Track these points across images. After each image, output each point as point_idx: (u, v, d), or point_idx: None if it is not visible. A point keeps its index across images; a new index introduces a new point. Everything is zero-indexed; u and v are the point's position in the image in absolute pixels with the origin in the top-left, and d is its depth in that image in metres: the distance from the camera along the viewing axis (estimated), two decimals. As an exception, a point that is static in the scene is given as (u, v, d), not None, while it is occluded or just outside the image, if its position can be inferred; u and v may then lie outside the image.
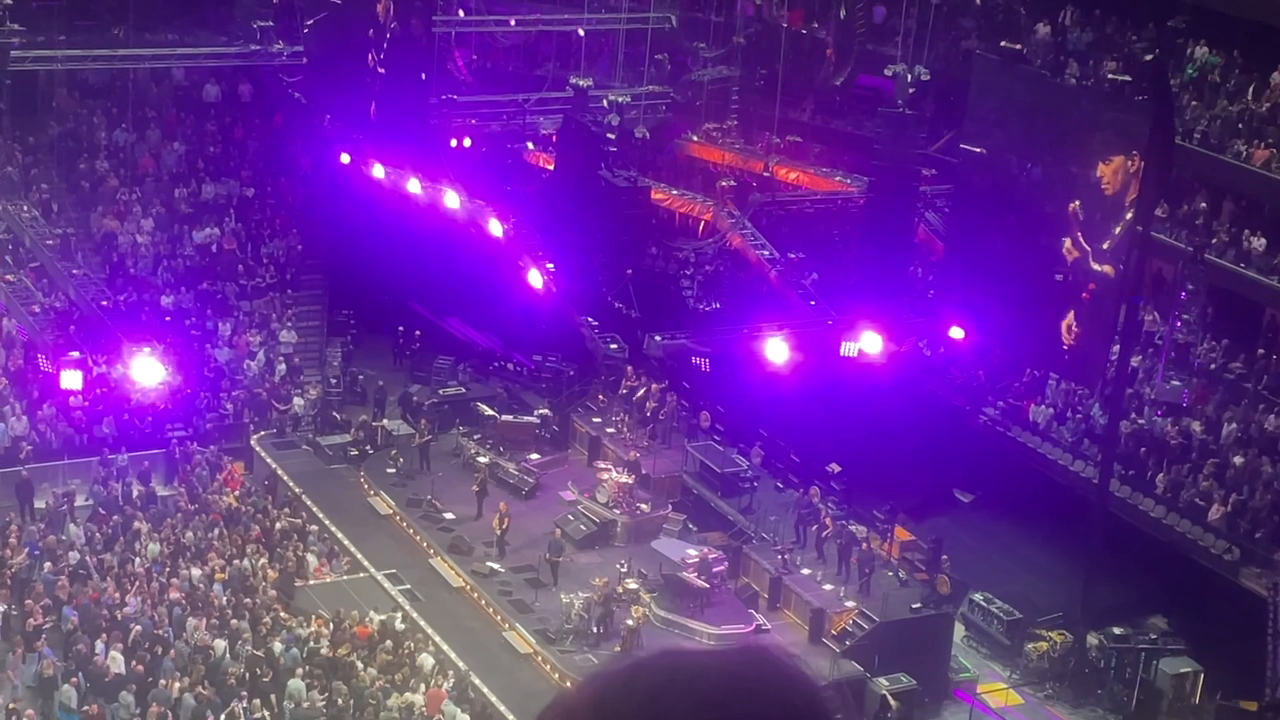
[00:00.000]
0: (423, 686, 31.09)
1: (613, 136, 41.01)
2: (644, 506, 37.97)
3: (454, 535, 37.10)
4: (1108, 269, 35.76)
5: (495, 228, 42.58)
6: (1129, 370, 36.56)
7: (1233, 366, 37.91)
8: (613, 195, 40.57)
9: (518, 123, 46.20)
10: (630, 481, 38.04)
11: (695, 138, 46.90)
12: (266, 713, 30.27)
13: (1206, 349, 38.18)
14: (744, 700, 2.70)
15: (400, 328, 44.30)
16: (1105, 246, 35.96)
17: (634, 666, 2.79)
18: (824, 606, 34.68)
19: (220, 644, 31.50)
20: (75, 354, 37.77)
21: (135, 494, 36.58)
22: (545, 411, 41.28)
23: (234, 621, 32.27)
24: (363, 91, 45.05)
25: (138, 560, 33.97)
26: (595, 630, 33.74)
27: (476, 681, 31.78)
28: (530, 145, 46.03)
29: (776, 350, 38.05)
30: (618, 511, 37.65)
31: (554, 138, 44.74)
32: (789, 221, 43.22)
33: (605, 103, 41.63)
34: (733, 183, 44.61)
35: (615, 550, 36.79)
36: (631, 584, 34.81)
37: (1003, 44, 38.43)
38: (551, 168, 44.64)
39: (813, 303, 40.44)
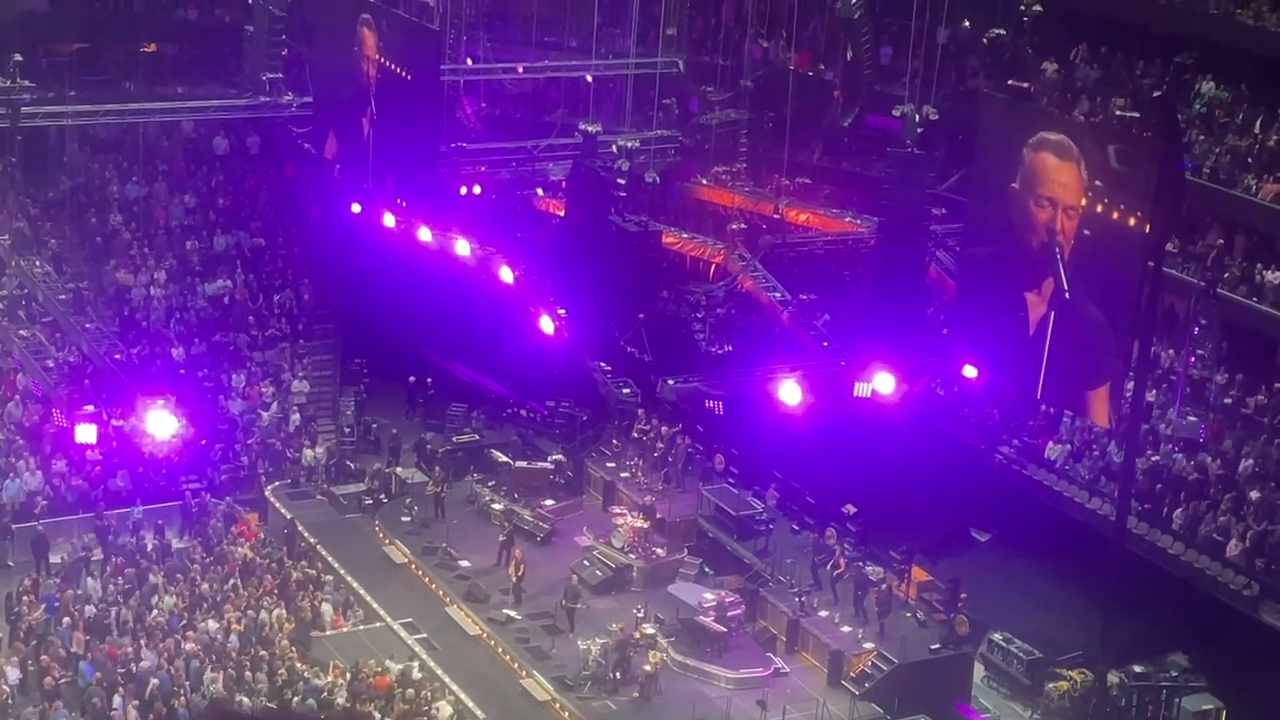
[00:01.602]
0: (441, 736, 31.10)
1: (622, 181, 41.18)
2: (660, 551, 38.04)
3: (470, 583, 37.16)
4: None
5: (506, 274, 42.77)
6: (1144, 406, 36.59)
7: (1249, 400, 37.93)
8: (623, 240, 40.74)
9: (527, 169, 46.46)
10: (645, 526, 38.11)
11: (705, 181, 47.08)
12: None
13: (1221, 384, 38.22)
14: None
15: (413, 376, 44.46)
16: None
17: None
18: (842, 648, 34.68)
19: (239, 696, 31.54)
20: (89, 408, 38.00)
21: (150, 547, 36.71)
22: (559, 457, 41.40)
23: (250, 673, 32.33)
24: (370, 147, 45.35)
25: (154, 613, 34.07)
26: (613, 676, 33.76)
27: (495, 730, 31.78)
28: (540, 191, 46.25)
29: (789, 392, 38.14)
30: (633, 556, 37.72)
31: (564, 184, 44.97)
32: (800, 263, 43.36)
33: (614, 148, 41.83)
34: (743, 225, 44.77)
35: (632, 595, 36.84)
36: (649, 629, 34.86)
37: (1010, 82, 38.56)
38: (562, 214, 44.84)
39: (825, 344, 40.55)
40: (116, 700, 31.13)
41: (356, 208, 45.46)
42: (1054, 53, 42.77)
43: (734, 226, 44.74)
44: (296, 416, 42.47)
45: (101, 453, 38.46)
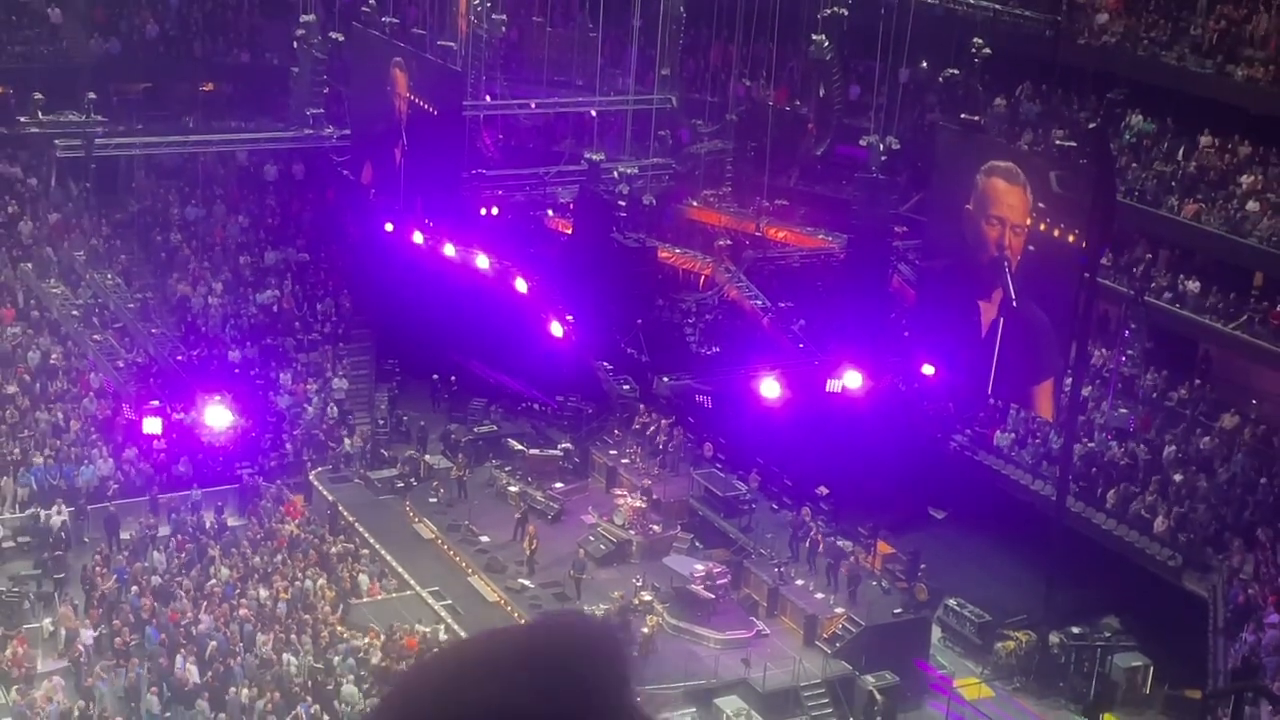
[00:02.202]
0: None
1: (623, 203, 41.08)
2: (656, 527, 37.95)
3: (489, 556, 37.08)
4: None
5: (521, 285, 42.69)
6: (1081, 399, 36.53)
7: (1172, 395, 37.86)
8: (624, 255, 40.62)
9: (539, 193, 46.30)
10: (643, 505, 38.04)
11: (695, 203, 46.95)
12: (327, 716, 30.21)
13: (1149, 380, 38.15)
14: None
15: (436, 375, 44.38)
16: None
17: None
18: (816, 613, 34.61)
19: (286, 656, 31.47)
20: (155, 403, 37.97)
21: (208, 524, 36.64)
22: (568, 445, 41.32)
23: (296, 636, 32.24)
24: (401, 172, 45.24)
25: (211, 582, 33.98)
26: (615, 638, 33.61)
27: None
28: (550, 212, 46.09)
29: (770, 388, 38.06)
30: (633, 532, 37.63)
31: (571, 205, 44.80)
32: (778, 275, 43.22)
33: (616, 174, 41.71)
34: (728, 242, 44.64)
35: (631, 566, 36.77)
36: (646, 596, 34.78)
37: (963, 116, 38.47)
38: (569, 232, 44.70)
39: (801, 345, 40.43)
40: (179, 659, 31.06)
41: (389, 227, 45.34)
42: (1002, 90, 42.69)
43: (721, 243, 44.61)
44: (336, 410, 42.36)
45: (166, 442, 38.37)
